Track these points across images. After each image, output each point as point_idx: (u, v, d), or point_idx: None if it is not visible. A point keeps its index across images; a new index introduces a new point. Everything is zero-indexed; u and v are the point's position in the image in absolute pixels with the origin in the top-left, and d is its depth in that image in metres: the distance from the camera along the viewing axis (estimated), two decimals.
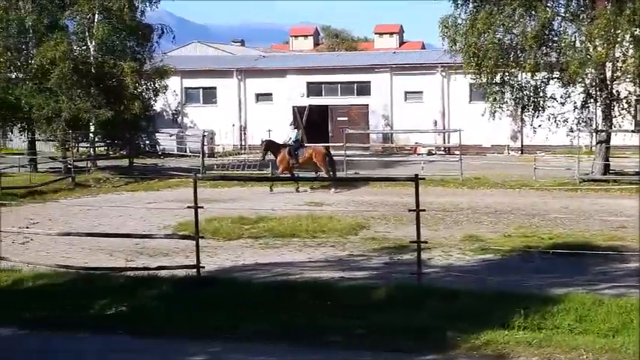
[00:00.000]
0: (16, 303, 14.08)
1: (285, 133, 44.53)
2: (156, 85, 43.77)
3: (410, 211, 15.37)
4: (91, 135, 43.43)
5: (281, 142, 36.13)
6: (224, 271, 17.28)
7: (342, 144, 41.83)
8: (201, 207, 15.73)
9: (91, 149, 44.95)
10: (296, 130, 36.92)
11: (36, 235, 21.95)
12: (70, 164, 39.05)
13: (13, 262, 17.48)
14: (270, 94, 58.92)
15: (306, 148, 35.75)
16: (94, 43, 41.06)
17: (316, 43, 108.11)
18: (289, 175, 33.74)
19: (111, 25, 40.40)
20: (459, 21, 35.28)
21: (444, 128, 54.08)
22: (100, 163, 43.82)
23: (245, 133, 58.80)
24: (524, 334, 11.47)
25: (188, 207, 15.99)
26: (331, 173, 34.16)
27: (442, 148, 52.70)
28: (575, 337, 11.41)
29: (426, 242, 15.93)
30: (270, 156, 35.65)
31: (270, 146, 35.69)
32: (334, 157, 35.19)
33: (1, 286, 15.42)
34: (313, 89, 58.67)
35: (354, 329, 12.00)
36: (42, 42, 40.14)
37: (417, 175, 15.23)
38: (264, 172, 39.25)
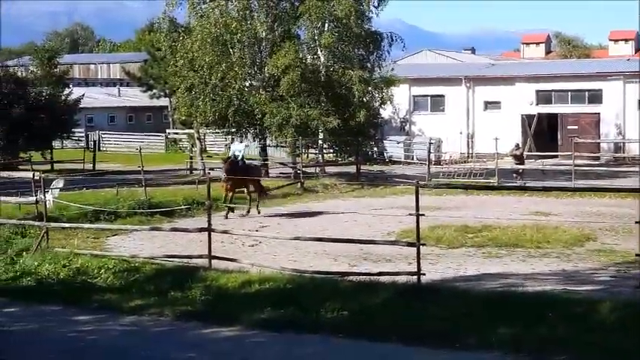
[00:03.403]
0: (243, 304, 14.64)
1: (512, 141, 44.05)
2: (383, 94, 44.17)
3: (636, 222, 14.84)
4: (319, 142, 44.43)
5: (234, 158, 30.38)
6: (445, 279, 17.28)
7: (570, 153, 40.76)
8: (423, 214, 15.79)
9: (320, 156, 45.95)
10: (242, 144, 31.54)
11: (264, 238, 22.69)
12: (300, 170, 40.09)
13: (242, 264, 18.21)
14: (499, 102, 58.18)
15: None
16: (323, 52, 42.02)
17: (548, 51, 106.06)
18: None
19: (339, 33, 41.19)
20: None
21: None
22: (328, 169, 44.68)
23: (472, 141, 58.40)
24: None
25: (410, 214, 16.11)
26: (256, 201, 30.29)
27: None
28: None
29: None
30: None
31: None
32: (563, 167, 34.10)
33: (230, 288, 16.06)
34: (542, 97, 57.50)
35: (580, 345, 11.68)
36: (274, 51, 41.43)
37: None
38: (491, 180, 38.91)
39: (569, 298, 14.60)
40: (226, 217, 28.10)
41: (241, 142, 30.24)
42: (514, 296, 14.66)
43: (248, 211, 29.63)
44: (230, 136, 35.37)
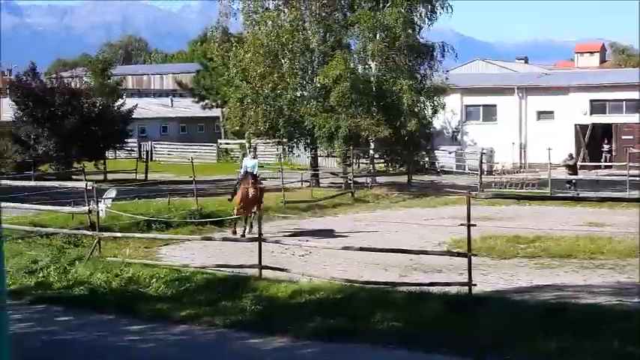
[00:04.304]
0: (293, 314, 14.63)
1: (565, 151, 43.63)
2: (434, 103, 44.02)
3: None
4: (370, 151, 44.39)
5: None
6: (497, 290, 17.12)
7: (625, 163, 40.26)
8: (474, 225, 15.67)
9: (371, 165, 45.91)
10: (255, 160, 28.08)
11: (315, 248, 22.67)
12: (350, 180, 40.06)
13: (292, 273, 18.22)
14: (552, 112, 57.72)
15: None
16: (374, 61, 42.00)
17: (602, 60, 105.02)
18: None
19: (389, 42, 41.13)
20: None
21: None
22: (379, 179, 44.60)
23: (525, 151, 57.96)
24: None
25: (461, 224, 15.99)
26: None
27: None
28: None
29: None
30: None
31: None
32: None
33: (280, 297, 16.07)
34: (596, 107, 56.92)
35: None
36: (326, 62, 41.49)
37: None
38: (544, 190, 38.57)
39: (624, 311, 14.39)
40: (243, 235, 25.48)
41: (254, 157, 28.29)
42: (567, 308, 14.48)
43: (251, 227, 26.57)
44: (249, 150, 32.44)
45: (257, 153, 31.12)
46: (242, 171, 27.43)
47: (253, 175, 26.47)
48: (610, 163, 51.37)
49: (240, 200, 25.99)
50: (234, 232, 26.19)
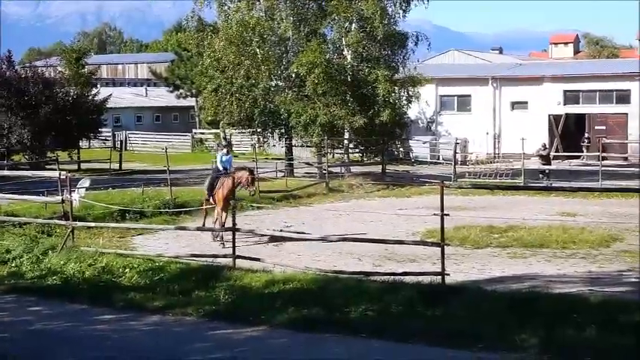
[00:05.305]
0: (267, 304, 14.66)
1: (539, 142, 43.82)
2: (409, 93, 44.06)
3: None
4: (345, 141, 44.43)
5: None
6: (469, 280, 17.21)
7: (597, 153, 40.53)
8: (447, 214, 15.74)
9: (345, 155, 45.95)
10: (229, 156, 25.87)
11: (289, 237, 22.66)
12: (325, 170, 40.09)
13: (266, 263, 18.24)
14: (526, 103, 57.91)
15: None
16: (349, 51, 41.99)
17: (576, 51, 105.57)
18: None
19: (364, 32, 41.14)
20: None
21: None
22: (354, 169, 44.63)
23: (499, 142, 58.17)
24: None
25: (434, 214, 16.07)
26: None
27: None
28: None
29: None
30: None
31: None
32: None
33: (254, 287, 16.10)
34: (570, 97, 57.20)
35: (606, 347, 11.59)
36: (301, 51, 41.44)
37: None
38: (517, 181, 38.76)
39: (595, 300, 14.52)
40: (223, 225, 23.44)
41: (227, 153, 25.72)
42: (539, 297, 14.59)
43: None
44: (217, 144, 28.68)
45: (231, 146, 29.26)
46: (217, 166, 25.05)
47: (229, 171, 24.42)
48: (586, 154, 51.62)
49: (225, 197, 23.24)
50: (204, 225, 24.43)
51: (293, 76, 42.15)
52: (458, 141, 46.73)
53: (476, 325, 12.75)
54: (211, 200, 24.43)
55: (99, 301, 15.44)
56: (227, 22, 42.59)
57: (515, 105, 58.36)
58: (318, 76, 39.81)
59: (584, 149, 52.93)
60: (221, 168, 24.71)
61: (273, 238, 22.48)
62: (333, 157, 47.50)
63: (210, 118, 48.03)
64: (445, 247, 15.93)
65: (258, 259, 18.49)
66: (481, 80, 59.54)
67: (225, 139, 29.82)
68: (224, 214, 23.50)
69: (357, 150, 47.39)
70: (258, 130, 44.55)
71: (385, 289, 15.36)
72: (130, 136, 72.74)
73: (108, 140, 63.61)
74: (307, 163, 45.56)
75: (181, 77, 75.75)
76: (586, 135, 55.33)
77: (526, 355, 11.41)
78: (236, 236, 18.84)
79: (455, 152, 43.15)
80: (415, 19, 43.66)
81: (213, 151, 54.59)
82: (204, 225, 24.53)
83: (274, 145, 48.42)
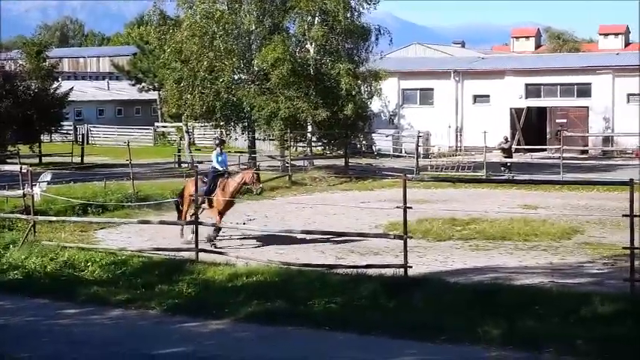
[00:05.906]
0: (230, 297, 14.65)
1: (500, 135, 44.07)
2: (371, 87, 44.12)
3: (624, 216, 14.88)
4: (308, 135, 44.43)
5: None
6: (432, 272, 17.31)
7: (559, 146, 40.86)
8: (410, 207, 15.82)
9: (308, 149, 45.96)
10: (218, 149, 23.69)
11: (252, 231, 22.67)
12: (288, 163, 40.08)
13: (229, 256, 18.23)
14: (488, 96, 58.22)
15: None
16: (312, 45, 41.95)
17: (538, 45, 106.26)
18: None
19: (328, 26, 41.13)
20: None
21: None
22: (317, 162, 44.64)
23: (461, 135, 58.45)
24: None
25: (397, 207, 16.13)
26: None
27: None
28: None
29: None
30: None
31: None
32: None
33: (217, 281, 16.09)
34: (532, 91, 57.59)
35: (567, 337, 11.70)
36: (264, 45, 41.33)
37: (631, 179, 14.71)
38: (479, 173, 38.98)
39: (557, 291, 14.66)
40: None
41: (221, 152, 23.50)
42: (501, 289, 14.71)
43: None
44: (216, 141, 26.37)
45: (224, 144, 25.80)
46: (214, 166, 23.05)
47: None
48: (548, 147, 51.99)
49: (224, 207, 22.18)
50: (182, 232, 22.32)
51: (256, 69, 42.03)
52: (420, 134, 46.88)
53: (439, 317, 12.83)
54: (206, 205, 22.22)
55: (61, 295, 15.34)
56: (190, 12, 42.35)
57: (477, 98, 58.65)
58: (283, 72, 39.67)
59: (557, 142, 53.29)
60: (220, 168, 23.01)
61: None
62: (296, 150, 47.46)
63: (172, 111, 47.70)
64: (408, 239, 16.00)
65: (221, 253, 18.48)
66: (443, 74, 59.73)
67: (217, 137, 28.40)
68: (219, 218, 21.80)
69: (320, 143, 47.42)
70: (221, 123, 44.38)
71: (348, 282, 15.42)
72: (91, 129, 72.23)
73: (69, 134, 63.14)
74: (270, 157, 45.51)
75: (144, 70, 75.26)
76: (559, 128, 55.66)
77: (489, 347, 11.49)
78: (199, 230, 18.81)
79: (417, 145, 43.32)
80: (379, 12, 43.65)
81: (176, 144, 54.40)
82: (182, 232, 22.22)
83: (236, 139, 48.29)
